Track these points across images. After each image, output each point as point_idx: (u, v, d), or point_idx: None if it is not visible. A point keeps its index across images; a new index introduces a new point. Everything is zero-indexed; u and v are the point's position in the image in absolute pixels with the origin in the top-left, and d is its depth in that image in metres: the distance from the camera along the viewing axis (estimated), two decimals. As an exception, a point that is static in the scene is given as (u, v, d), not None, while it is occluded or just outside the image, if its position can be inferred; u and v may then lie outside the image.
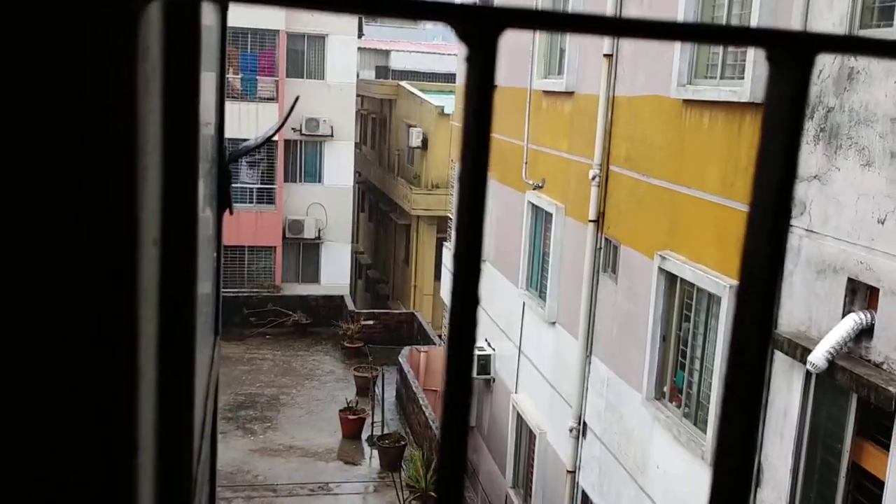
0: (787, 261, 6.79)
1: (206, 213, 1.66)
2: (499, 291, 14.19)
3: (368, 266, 32.06)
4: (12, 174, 0.51)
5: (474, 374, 14.31)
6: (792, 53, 0.44)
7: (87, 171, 0.52)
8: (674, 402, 8.81)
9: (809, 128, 6.60)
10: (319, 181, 26.62)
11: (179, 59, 0.92)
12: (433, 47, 42.51)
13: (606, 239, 10.36)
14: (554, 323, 11.93)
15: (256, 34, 24.94)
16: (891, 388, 5.54)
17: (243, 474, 15.24)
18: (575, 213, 11.16)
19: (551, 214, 11.94)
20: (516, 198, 13.35)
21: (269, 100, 25.05)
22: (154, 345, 0.80)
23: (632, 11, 9.86)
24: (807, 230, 6.59)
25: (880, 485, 5.83)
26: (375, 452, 16.13)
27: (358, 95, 27.92)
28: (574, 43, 11.30)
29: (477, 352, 14.27)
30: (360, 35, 28.17)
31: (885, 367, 5.78)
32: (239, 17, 22.32)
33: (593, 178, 10.40)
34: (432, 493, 12.84)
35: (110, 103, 0.51)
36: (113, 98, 0.51)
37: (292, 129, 25.21)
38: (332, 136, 26.16)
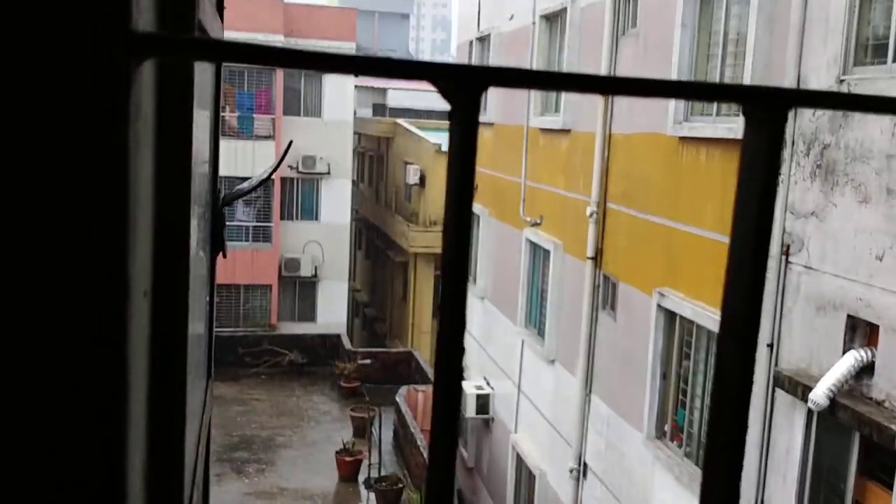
0: (787, 297, 6.76)
1: (199, 256, 1.64)
2: (497, 329, 14.13)
3: (365, 304, 31.96)
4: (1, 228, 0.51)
5: (473, 414, 14.19)
6: (765, 108, 0.47)
7: (78, 229, 0.53)
8: (675, 442, 8.71)
9: (806, 164, 6.62)
10: (316, 219, 26.63)
11: (172, 116, 0.92)
12: (430, 85, 42.78)
13: (605, 276, 10.33)
14: (553, 361, 11.85)
15: (253, 72, 25.14)
16: (893, 427, 5.47)
17: (238, 518, 15.01)
18: (573, 249, 11.15)
19: (549, 251, 11.93)
20: (514, 234, 13.36)
21: (266, 137, 25.16)
22: (144, 394, 0.77)
23: (627, 49, 9.96)
24: (805, 266, 6.57)
25: (886, 525, 5.73)
26: (372, 495, 15.90)
27: (355, 133, 28.08)
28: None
29: (475, 391, 14.18)
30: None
31: (886, 404, 5.72)
32: (237, 57, 22.45)
33: (591, 215, 10.42)
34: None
35: (101, 163, 0.52)
36: (104, 158, 0.52)
37: (289, 166, 25.29)
38: (328, 173, 26.25)
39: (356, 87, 28.58)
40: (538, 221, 12.23)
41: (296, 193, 26.46)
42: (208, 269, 1.99)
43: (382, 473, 16.16)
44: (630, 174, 9.73)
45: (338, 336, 24.37)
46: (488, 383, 14.43)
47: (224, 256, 2.13)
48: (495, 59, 14.52)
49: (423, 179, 26.05)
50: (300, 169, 25.73)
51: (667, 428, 8.87)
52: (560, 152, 11.81)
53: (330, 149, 25.96)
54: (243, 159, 23.57)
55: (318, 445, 18.15)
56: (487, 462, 14.67)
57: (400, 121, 30.29)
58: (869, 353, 5.86)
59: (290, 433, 18.91)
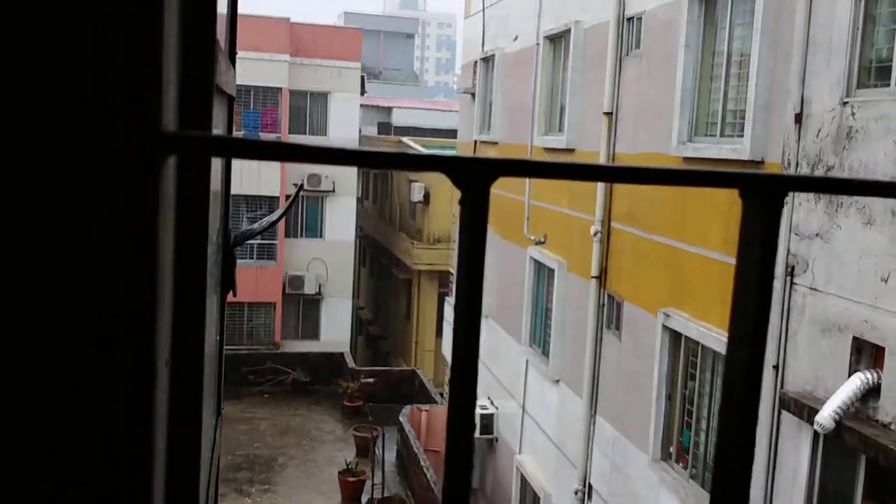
0: (792, 319, 6.75)
1: (211, 299, 1.67)
2: (501, 348, 14.10)
3: (369, 322, 31.93)
4: (33, 305, 0.56)
5: (477, 434, 14.12)
6: (763, 193, 0.50)
7: (109, 310, 0.57)
8: (680, 463, 8.66)
9: (810, 186, 6.62)
10: (321, 236, 26.68)
11: (190, 205, 1.01)
12: (434, 104, 43.06)
13: (609, 295, 10.32)
14: (558, 381, 11.82)
15: (259, 91, 25.27)
16: (901, 450, 5.44)
17: (240, 540, 14.94)
18: (577, 269, 11.15)
19: (553, 270, 11.93)
20: (518, 253, 13.36)
21: (272, 156, 25.22)
22: (164, 448, 0.79)
23: (631, 69, 10.00)
24: (810, 288, 6.56)
25: (894, 550, 5.69)
26: (376, 516, 15.83)
27: (360, 152, 28.11)
28: (574, 101, 11.44)
29: (479, 410, 14.11)
30: (363, 92, 28.57)
31: (892, 427, 5.69)
32: (242, 74, 22.63)
33: (595, 235, 10.42)
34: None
35: (133, 247, 0.57)
36: (136, 242, 0.57)
37: (294, 184, 25.34)
38: (333, 191, 26.33)
39: (361, 105, 28.71)
40: (542, 240, 12.23)
41: (301, 211, 26.52)
42: (218, 310, 2.02)
43: (385, 494, 16.06)
44: (634, 194, 9.74)
45: (341, 354, 24.33)
46: (492, 402, 14.38)
47: (234, 295, 2.15)
48: (499, 79, 14.58)
49: (427, 197, 26.10)
50: (305, 187, 25.80)
51: (672, 449, 8.82)
52: (564, 172, 11.83)
53: (335, 167, 25.92)
54: (248, 178, 23.65)
55: (321, 465, 18.07)
56: (491, 483, 14.60)
57: (405, 139, 30.41)
58: (875, 376, 5.84)
59: (293, 453, 18.83)
